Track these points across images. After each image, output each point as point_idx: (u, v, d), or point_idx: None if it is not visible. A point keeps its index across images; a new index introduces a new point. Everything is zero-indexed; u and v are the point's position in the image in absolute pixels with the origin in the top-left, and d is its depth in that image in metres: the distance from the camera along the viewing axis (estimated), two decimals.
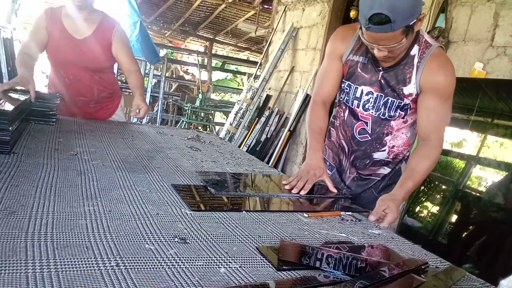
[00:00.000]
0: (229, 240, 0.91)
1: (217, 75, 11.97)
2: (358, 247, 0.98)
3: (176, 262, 0.76)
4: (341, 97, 1.66)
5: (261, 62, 5.69)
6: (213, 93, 9.39)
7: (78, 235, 0.81)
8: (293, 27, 5.06)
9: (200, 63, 8.77)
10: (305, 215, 1.18)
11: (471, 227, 2.57)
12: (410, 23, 1.30)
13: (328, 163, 1.75)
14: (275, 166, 4.64)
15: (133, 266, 0.72)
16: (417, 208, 2.87)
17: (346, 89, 1.59)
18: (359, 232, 1.12)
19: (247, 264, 0.81)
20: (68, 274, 0.66)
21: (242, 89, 7.52)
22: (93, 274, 0.68)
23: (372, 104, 1.54)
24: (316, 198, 1.42)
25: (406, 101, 1.49)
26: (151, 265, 0.74)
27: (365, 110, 1.56)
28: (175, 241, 0.85)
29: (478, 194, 2.55)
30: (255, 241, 0.93)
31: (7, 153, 1.27)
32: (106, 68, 2.22)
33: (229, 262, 0.81)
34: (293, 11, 5.23)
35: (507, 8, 2.59)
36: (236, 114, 5.20)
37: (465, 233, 2.55)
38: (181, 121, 7.46)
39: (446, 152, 2.71)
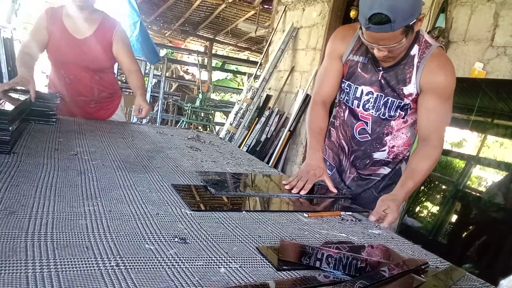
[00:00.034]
0: (229, 240, 0.91)
1: (217, 75, 11.97)
2: (358, 247, 0.98)
3: (176, 262, 0.76)
4: (341, 97, 1.66)
5: (261, 62, 5.69)
6: (213, 93, 9.40)
7: (78, 235, 0.81)
8: (293, 27, 5.06)
9: (200, 63, 8.77)
10: (305, 215, 1.18)
11: (471, 227, 2.57)
12: (410, 23, 1.30)
13: (328, 163, 1.75)
14: (275, 166, 4.64)
15: (133, 266, 0.72)
16: (417, 208, 2.87)
17: (346, 89, 1.59)
18: (359, 232, 1.12)
19: (247, 264, 0.81)
20: (68, 274, 0.66)
21: (242, 89, 7.52)
22: (93, 274, 0.68)
23: (372, 104, 1.54)
24: (316, 198, 1.42)
25: (406, 101, 1.49)
26: (151, 265, 0.74)
27: (365, 110, 1.56)
28: (175, 241, 0.85)
29: (478, 194, 2.55)
30: (255, 241, 0.93)
31: (7, 153, 1.27)
32: (106, 68, 2.23)
33: (229, 262, 0.81)
34: (293, 11, 5.23)
35: (507, 8, 2.59)
36: (236, 114, 5.20)
37: (465, 233, 2.55)
38: (181, 121, 7.46)
39: (446, 152, 2.71)
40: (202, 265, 0.77)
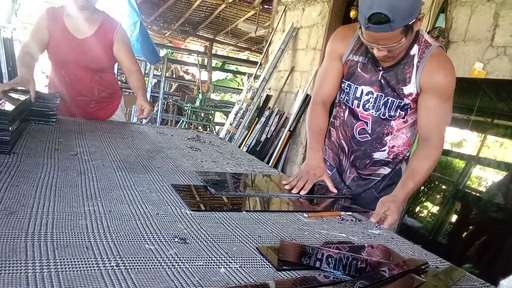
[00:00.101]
0: (229, 240, 0.91)
1: (217, 75, 11.97)
2: (358, 247, 0.98)
3: (176, 262, 0.76)
4: (341, 97, 1.66)
5: (261, 62, 5.69)
6: (213, 93, 9.40)
7: (78, 235, 0.81)
8: (293, 27, 5.06)
9: (200, 63, 8.77)
10: (305, 215, 1.18)
11: (471, 227, 2.57)
12: (410, 23, 1.30)
13: (328, 163, 1.75)
14: (275, 166, 4.64)
15: (133, 266, 0.72)
16: (417, 208, 2.87)
17: (346, 89, 1.59)
18: (359, 232, 1.12)
19: (247, 264, 0.81)
20: (68, 274, 0.66)
21: (242, 89, 7.52)
22: (93, 274, 0.68)
23: (372, 104, 1.54)
24: (316, 198, 1.41)
25: (406, 101, 1.49)
26: (151, 265, 0.74)
27: (365, 110, 1.56)
28: (175, 241, 0.85)
29: (478, 194, 2.55)
30: (255, 241, 0.93)
31: (7, 153, 1.27)
32: (106, 68, 2.23)
33: (229, 262, 0.81)
34: (293, 11, 5.23)
35: (507, 8, 2.59)
36: (236, 114, 5.20)
37: (465, 233, 2.55)
38: (181, 121, 7.47)
39: (446, 152, 2.71)
40: (202, 265, 0.77)
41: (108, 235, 0.83)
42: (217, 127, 7.87)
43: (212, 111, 7.73)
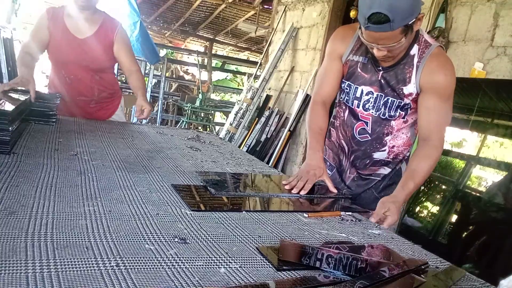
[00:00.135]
0: (229, 240, 0.91)
1: (217, 75, 11.97)
2: (358, 247, 0.98)
3: (176, 262, 0.76)
4: (341, 97, 1.66)
5: (261, 62, 5.69)
6: (213, 93, 9.40)
7: (78, 235, 0.81)
8: (293, 27, 5.06)
9: (200, 63, 8.77)
10: (305, 215, 1.18)
11: (471, 227, 2.57)
12: (409, 23, 1.30)
13: (328, 163, 1.75)
14: (275, 166, 4.64)
15: (133, 266, 0.72)
16: (417, 208, 2.87)
17: (346, 89, 1.59)
18: (359, 232, 1.12)
19: (247, 264, 0.81)
20: (68, 274, 0.66)
21: (242, 89, 7.52)
22: (93, 274, 0.68)
23: (372, 104, 1.54)
24: (316, 198, 1.41)
25: (406, 100, 1.49)
26: (151, 265, 0.74)
27: (365, 110, 1.56)
28: (175, 241, 0.85)
29: (478, 194, 2.55)
30: (255, 241, 0.93)
31: (7, 153, 1.27)
32: (107, 68, 2.23)
33: (229, 262, 0.81)
34: (293, 11, 5.23)
35: (507, 8, 2.59)
36: (236, 114, 5.20)
37: (465, 233, 2.55)
38: (181, 121, 7.47)
39: (446, 152, 2.71)
40: (202, 265, 0.77)
41: (108, 235, 0.83)
42: (217, 127, 7.88)
43: (212, 111, 7.73)
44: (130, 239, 0.83)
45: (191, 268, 0.75)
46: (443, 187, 2.81)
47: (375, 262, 0.86)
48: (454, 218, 2.62)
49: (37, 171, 1.16)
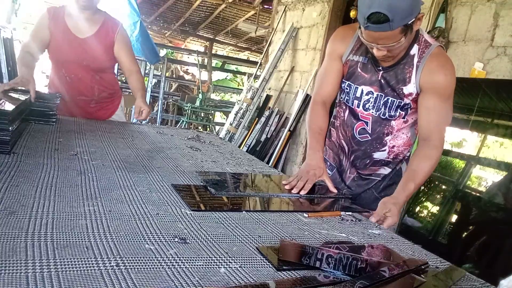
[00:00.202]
0: (229, 240, 0.91)
1: (217, 75, 11.97)
2: (358, 247, 0.98)
3: (176, 262, 0.76)
4: (341, 97, 1.66)
5: (261, 62, 5.69)
6: (213, 93, 9.40)
7: (78, 235, 0.81)
8: (293, 27, 5.06)
9: (200, 63, 8.76)
10: (305, 215, 1.18)
11: (471, 227, 2.57)
12: (409, 22, 1.30)
13: (328, 163, 1.75)
14: (275, 166, 4.64)
15: (133, 266, 0.72)
16: (417, 208, 2.87)
17: (346, 89, 1.59)
18: (359, 232, 1.12)
19: (247, 264, 0.81)
20: (68, 274, 0.66)
21: (242, 89, 7.52)
22: (93, 274, 0.68)
23: (372, 104, 1.54)
24: (316, 198, 1.41)
25: (406, 100, 1.49)
26: (151, 265, 0.74)
27: (365, 110, 1.56)
28: (175, 241, 0.85)
29: (478, 194, 2.55)
30: (255, 241, 0.93)
31: (7, 153, 1.27)
32: (107, 68, 2.23)
33: (229, 262, 0.80)
34: (293, 11, 5.23)
35: (507, 8, 2.59)
36: (236, 114, 5.20)
37: (465, 233, 2.55)
38: (181, 121, 7.46)
39: (446, 152, 2.71)
40: (202, 265, 0.77)
41: (108, 235, 0.83)
42: (217, 127, 7.88)
43: (212, 111, 7.73)
44: (130, 239, 0.83)
45: (191, 268, 0.75)
46: (443, 187, 2.81)
47: (375, 262, 0.86)
48: (454, 218, 2.62)
49: (37, 171, 1.16)
